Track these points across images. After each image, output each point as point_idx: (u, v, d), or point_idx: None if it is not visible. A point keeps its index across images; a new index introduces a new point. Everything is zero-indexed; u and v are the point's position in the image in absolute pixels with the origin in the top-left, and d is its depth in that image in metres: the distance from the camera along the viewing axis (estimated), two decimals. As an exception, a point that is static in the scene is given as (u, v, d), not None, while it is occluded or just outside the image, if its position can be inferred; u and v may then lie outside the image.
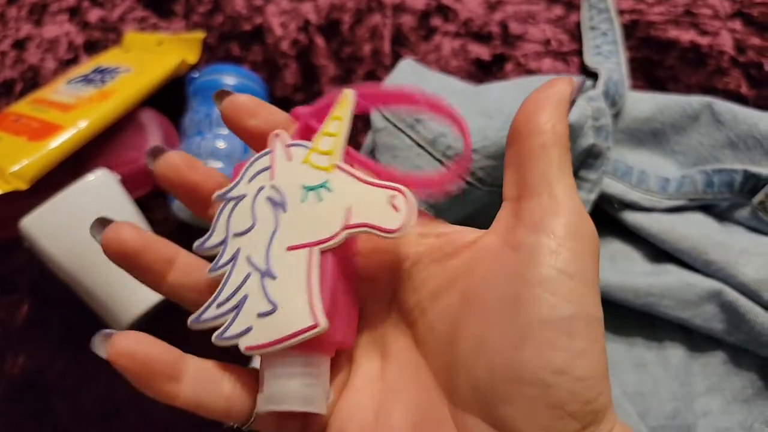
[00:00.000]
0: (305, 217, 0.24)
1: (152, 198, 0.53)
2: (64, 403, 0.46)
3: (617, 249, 0.45)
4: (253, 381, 0.26)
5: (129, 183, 0.49)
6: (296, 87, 0.57)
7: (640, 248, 0.44)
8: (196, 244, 0.27)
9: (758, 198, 0.42)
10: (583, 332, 0.21)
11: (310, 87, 0.57)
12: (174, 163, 0.27)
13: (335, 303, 0.24)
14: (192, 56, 0.57)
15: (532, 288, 0.21)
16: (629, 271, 0.43)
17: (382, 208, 0.23)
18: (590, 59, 0.50)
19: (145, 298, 0.45)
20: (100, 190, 0.47)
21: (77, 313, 0.48)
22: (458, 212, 0.40)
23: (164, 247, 0.27)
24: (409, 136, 0.39)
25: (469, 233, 0.25)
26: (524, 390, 0.20)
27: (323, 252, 0.24)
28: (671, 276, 0.42)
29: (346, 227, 0.23)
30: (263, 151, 0.26)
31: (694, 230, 0.42)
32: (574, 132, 0.38)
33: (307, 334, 0.23)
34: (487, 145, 0.37)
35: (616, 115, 0.46)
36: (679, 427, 0.40)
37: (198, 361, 0.25)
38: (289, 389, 0.23)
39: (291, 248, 0.24)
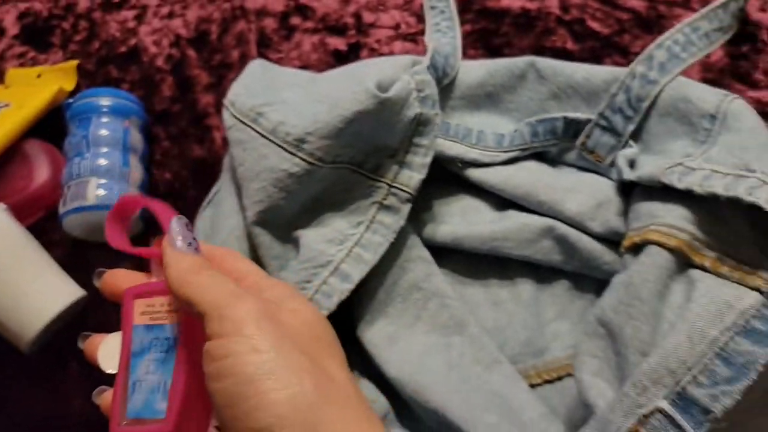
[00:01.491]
0: None
1: (46, 221, 0.56)
2: (-18, 424, 0.49)
3: (467, 204, 0.49)
4: None
5: (19, 211, 0.52)
6: (173, 99, 0.61)
7: (487, 200, 0.49)
8: None
9: (580, 140, 0.47)
10: None
11: (185, 97, 0.61)
12: None
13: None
14: (69, 84, 0.60)
15: None
16: (477, 222, 0.48)
17: None
18: (429, 37, 0.55)
19: (45, 311, 0.48)
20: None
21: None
22: (308, 192, 0.43)
23: None
24: (254, 129, 0.43)
25: None
26: None
27: None
28: (511, 220, 0.47)
29: None
30: None
31: (527, 177, 0.47)
32: (397, 104, 0.43)
33: None
34: (320, 126, 0.41)
35: (451, 85, 0.50)
36: (533, 352, 0.45)
37: None
38: None
39: None
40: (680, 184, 0.37)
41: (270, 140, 0.42)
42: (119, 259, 0.54)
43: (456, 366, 0.42)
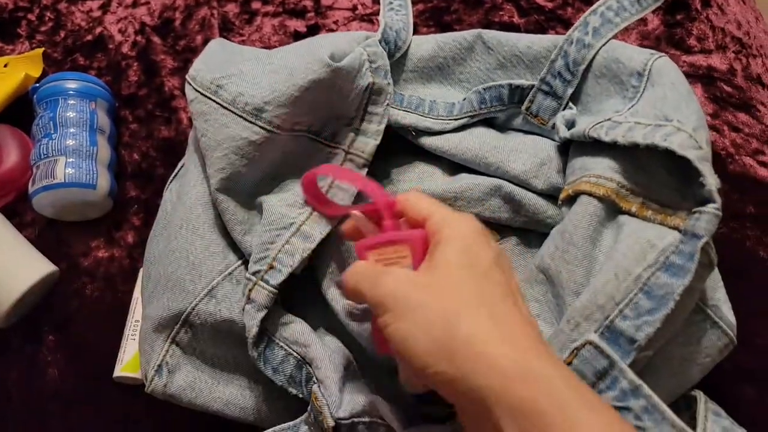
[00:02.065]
0: None
1: (17, 204, 0.57)
2: (-39, 396, 0.50)
3: (422, 170, 0.52)
4: None
5: None
6: (140, 83, 0.63)
7: (440, 166, 0.52)
8: None
9: (525, 105, 0.50)
10: None
11: (152, 81, 0.63)
12: None
13: None
14: (35, 71, 0.62)
15: None
16: (432, 186, 0.51)
17: None
18: (383, 15, 0.58)
19: (16, 285, 0.50)
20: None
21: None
22: (269, 159, 0.46)
23: None
24: (214, 100, 0.45)
25: None
26: None
27: None
28: (462, 181, 0.49)
29: None
30: None
31: (475, 141, 0.50)
32: (351, 73, 0.45)
33: None
34: (277, 96, 0.44)
35: (403, 58, 0.53)
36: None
37: None
38: None
39: None
40: (606, 137, 0.40)
41: (230, 110, 0.45)
42: (90, 237, 0.56)
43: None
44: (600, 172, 0.40)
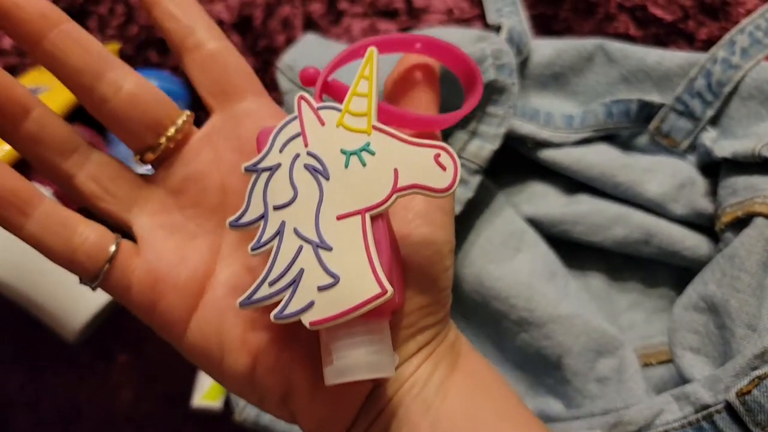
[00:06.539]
0: (350, 183, 0.24)
1: (88, 207, 0.53)
2: (24, 416, 0.46)
3: (536, 190, 0.47)
4: (106, 241, 0.27)
5: (64, 197, 0.50)
6: (217, 84, 0.59)
7: (557, 185, 0.47)
8: (230, 220, 0.25)
9: (653, 124, 0.46)
10: None
11: (230, 82, 0.59)
12: None
13: (392, 267, 0.24)
14: (110, 66, 0.58)
15: None
16: (546, 208, 0.46)
17: (429, 167, 0.23)
18: (492, 19, 0.53)
19: (92, 300, 0.46)
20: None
21: (28, 326, 0.48)
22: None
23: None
24: None
25: None
26: None
27: (374, 217, 0.23)
28: (583, 204, 0.45)
29: (396, 190, 0.23)
30: (290, 117, 0.25)
31: (601, 157, 0.45)
32: None
33: (376, 302, 0.22)
34: (380, 88, 0.40)
35: (524, 64, 0.48)
36: (606, 342, 0.43)
37: (53, 205, 0.27)
38: (358, 359, 0.23)
39: (341, 217, 0.24)
40: None
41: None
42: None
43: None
44: None
